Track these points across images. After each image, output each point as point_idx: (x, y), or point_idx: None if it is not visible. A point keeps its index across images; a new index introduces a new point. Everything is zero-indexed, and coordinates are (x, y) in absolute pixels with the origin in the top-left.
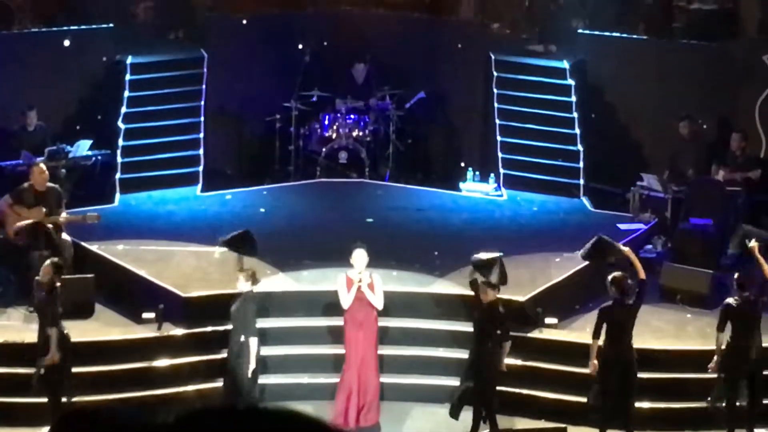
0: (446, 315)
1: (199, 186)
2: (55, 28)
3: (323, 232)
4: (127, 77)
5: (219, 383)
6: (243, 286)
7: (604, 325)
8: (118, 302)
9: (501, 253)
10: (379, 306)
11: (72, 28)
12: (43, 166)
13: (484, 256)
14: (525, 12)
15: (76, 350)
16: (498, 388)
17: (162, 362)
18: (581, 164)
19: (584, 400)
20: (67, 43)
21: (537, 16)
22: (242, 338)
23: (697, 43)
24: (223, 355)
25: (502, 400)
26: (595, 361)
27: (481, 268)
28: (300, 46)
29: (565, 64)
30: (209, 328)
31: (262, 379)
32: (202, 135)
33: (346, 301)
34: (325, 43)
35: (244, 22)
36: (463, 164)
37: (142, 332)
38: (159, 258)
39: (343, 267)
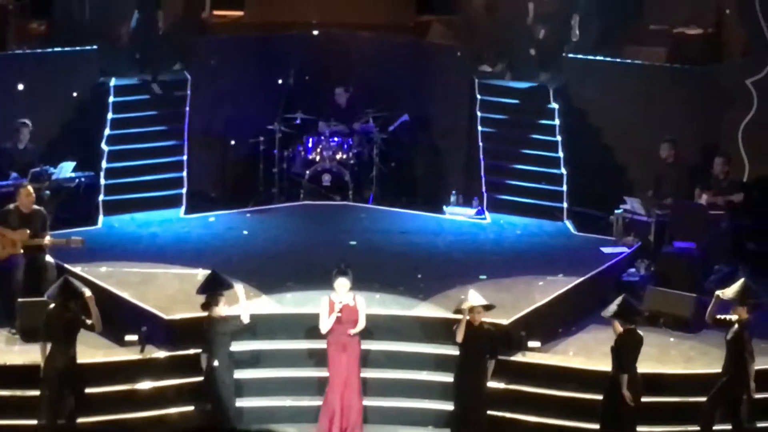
0: (430, 338)
1: (183, 208)
2: (39, 50)
3: (307, 255)
4: (111, 99)
5: (202, 406)
6: (222, 310)
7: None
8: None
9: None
10: (361, 326)
11: (56, 50)
12: (30, 188)
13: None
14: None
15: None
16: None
17: (145, 385)
18: (565, 187)
19: (567, 423)
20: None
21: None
22: (215, 362)
23: (680, 66)
24: None
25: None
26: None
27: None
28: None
29: (549, 88)
30: (192, 351)
31: (245, 402)
32: (185, 157)
33: (324, 325)
34: (310, 66)
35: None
36: (455, 192)
37: (125, 355)
38: (142, 280)
39: (327, 290)
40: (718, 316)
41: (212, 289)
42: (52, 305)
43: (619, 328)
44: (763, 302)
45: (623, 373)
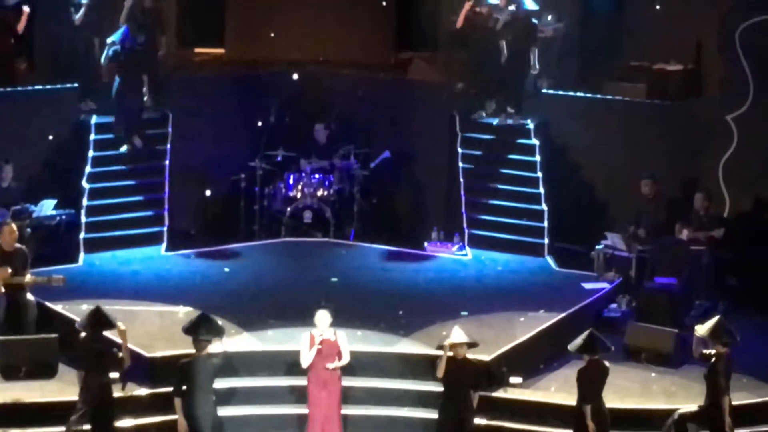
0: (411, 374)
1: (164, 245)
2: (20, 88)
3: (288, 292)
4: (92, 137)
5: None
6: (212, 347)
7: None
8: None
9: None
10: (345, 360)
11: (37, 88)
12: (14, 226)
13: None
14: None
15: (42, 410)
16: None
17: (126, 422)
18: (546, 223)
19: None
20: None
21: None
22: (198, 399)
23: (661, 102)
24: None
25: None
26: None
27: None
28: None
29: (529, 124)
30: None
31: None
32: (166, 194)
33: (305, 359)
34: (290, 103)
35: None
36: (436, 228)
37: None
38: (123, 318)
39: (308, 326)
40: (703, 351)
41: (201, 335)
42: (83, 335)
43: (586, 358)
44: (735, 340)
45: (587, 404)
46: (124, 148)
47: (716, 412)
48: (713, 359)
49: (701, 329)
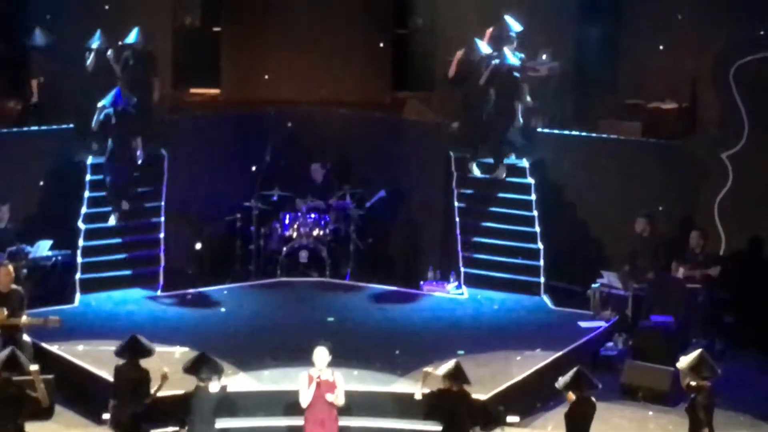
0: (408, 414)
1: (160, 286)
2: (15, 129)
3: (284, 332)
4: (88, 177)
5: None
6: (213, 386)
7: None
8: (78, 403)
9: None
10: (340, 402)
11: (33, 128)
12: (10, 267)
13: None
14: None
15: None
16: None
17: None
18: (542, 262)
19: None
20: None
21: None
22: None
23: (656, 140)
24: None
25: None
26: None
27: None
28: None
29: (524, 163)
30: (170, 429)
31: None
32: (162, 235)
33: (305, 398)
34: (286, 143)
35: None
36: (432, 267)
37: None
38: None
39: (304, 366)
40: (690, 383)
41: (202, 373)
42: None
43: (572, 397)
44: (716, 374)
45: None
46: (112, 221)
47: None
48: (693, 394)
49: (683, 362)
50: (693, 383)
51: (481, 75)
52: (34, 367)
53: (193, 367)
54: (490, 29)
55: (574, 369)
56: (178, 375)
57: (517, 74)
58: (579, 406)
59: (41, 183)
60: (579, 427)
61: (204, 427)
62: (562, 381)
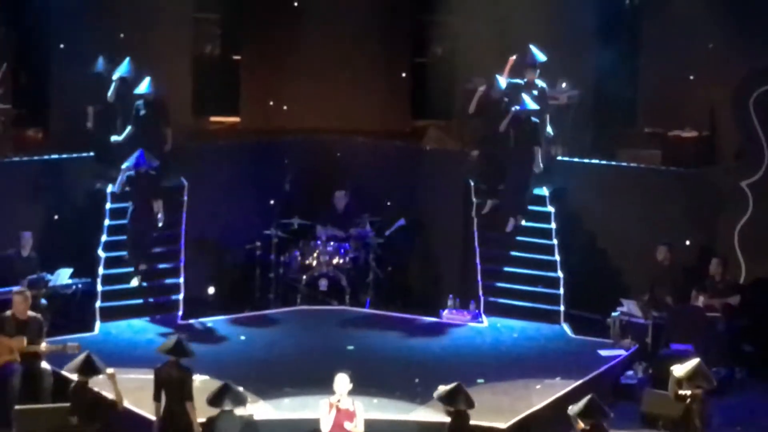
0: None
1: (180, 314)
2: (36, 157)
3: (303, 360)
4: (108, 206)
5: None
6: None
7: None
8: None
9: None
10: (359, 431)
11: (53, 157)
12: (27, 294)
13: (444, 388)
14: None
15: None
16: None
17: None
18: (561, 290)
19: None
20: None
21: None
22: None
23: (675, 169)
24: None
25: None
26: None
27: (449, 399)
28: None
29: (544, 191)
30: None
31: None
32: (182, 262)
33: (325, 425)
34: (306, 171)
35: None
36: (451, 296)
37: None
38: (139, 386)
39: (324, 395)
40: (679, 392)
41: (226, 405)
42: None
43: (581, 425)
44: (712, 385)
45: None
46: (134, 282)
47: None
48: (688, 401)
49: (679, 371)
50: (685, 392)
51: (500, 110)
52: (110, 370)
53: (216, 398)
54: (513, 57)
55: (588, 396)
56: (199, 403)
57: (536, 119)
58: None
59: (63, 209)
60: None
61: None
62: (575, 409)
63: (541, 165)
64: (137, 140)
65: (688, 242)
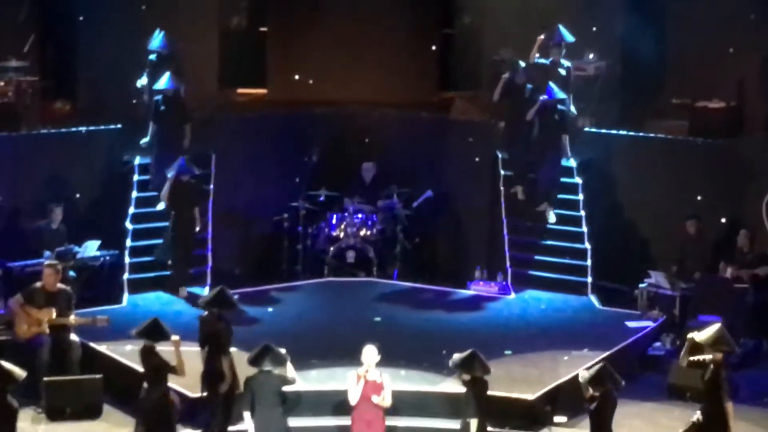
0: (455, 413)
1: (207, 286)
2: (63, 129)
3: (331, 332)
4: (135, 177)
5: None
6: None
7: None
8: (126, 403)
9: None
10: (387, 403)
11: (81, 129)
12: (59, 267)
13: (459, 356)
14: None
15: None
16: None
17: None
18: (589, 262)
19: None
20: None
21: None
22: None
23: (703, 140)
24: None
25: None
26: None
27: (465, 366)
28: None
29: (572, 163)
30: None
31: None
32: (210, 234)
33: (353, 395)
34: (333, 143)
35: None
36: (479, 267)
37: None
38: (167, 359)
39: (352, 366)
40: (692, 358)
41: (266, 365)
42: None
43: (591, 392)
44: (734, 350)
45: None
46: (183, 293)
47: (715, 419)
48: (711, 366)
49: (701, 336)
50: (694, 359)
51: (524, 96)
52: (175, 337)
53: (257, 359)
54: (541, 36)
55: (599, 365)
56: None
57: (562, 107)
58: (602, 402)
59: (89, 183)
60: (603, 423)
61: (267, 412)
62: (586, 375)
63: (570, 153)
64: (157, 136)
65: (712, 210)
